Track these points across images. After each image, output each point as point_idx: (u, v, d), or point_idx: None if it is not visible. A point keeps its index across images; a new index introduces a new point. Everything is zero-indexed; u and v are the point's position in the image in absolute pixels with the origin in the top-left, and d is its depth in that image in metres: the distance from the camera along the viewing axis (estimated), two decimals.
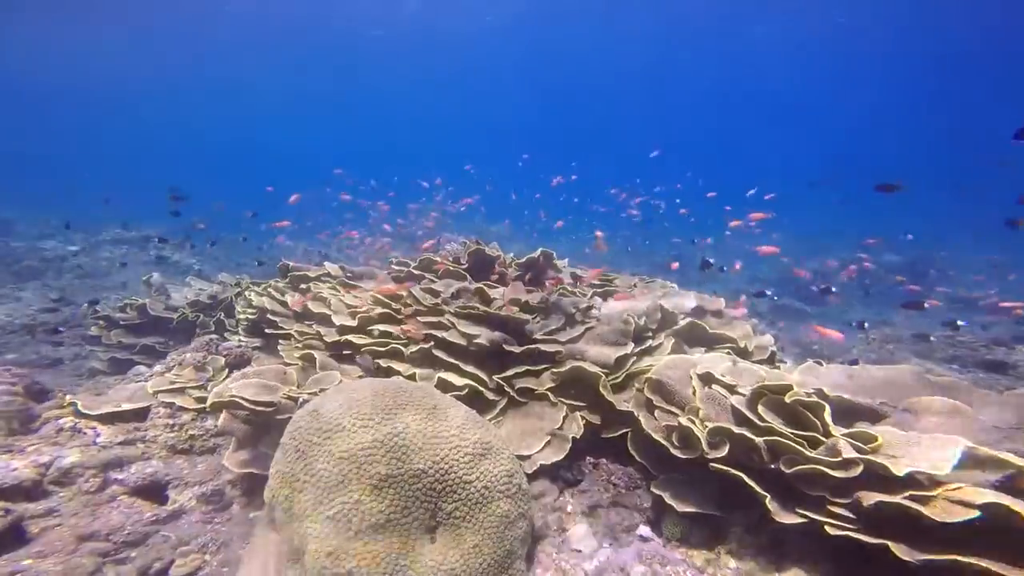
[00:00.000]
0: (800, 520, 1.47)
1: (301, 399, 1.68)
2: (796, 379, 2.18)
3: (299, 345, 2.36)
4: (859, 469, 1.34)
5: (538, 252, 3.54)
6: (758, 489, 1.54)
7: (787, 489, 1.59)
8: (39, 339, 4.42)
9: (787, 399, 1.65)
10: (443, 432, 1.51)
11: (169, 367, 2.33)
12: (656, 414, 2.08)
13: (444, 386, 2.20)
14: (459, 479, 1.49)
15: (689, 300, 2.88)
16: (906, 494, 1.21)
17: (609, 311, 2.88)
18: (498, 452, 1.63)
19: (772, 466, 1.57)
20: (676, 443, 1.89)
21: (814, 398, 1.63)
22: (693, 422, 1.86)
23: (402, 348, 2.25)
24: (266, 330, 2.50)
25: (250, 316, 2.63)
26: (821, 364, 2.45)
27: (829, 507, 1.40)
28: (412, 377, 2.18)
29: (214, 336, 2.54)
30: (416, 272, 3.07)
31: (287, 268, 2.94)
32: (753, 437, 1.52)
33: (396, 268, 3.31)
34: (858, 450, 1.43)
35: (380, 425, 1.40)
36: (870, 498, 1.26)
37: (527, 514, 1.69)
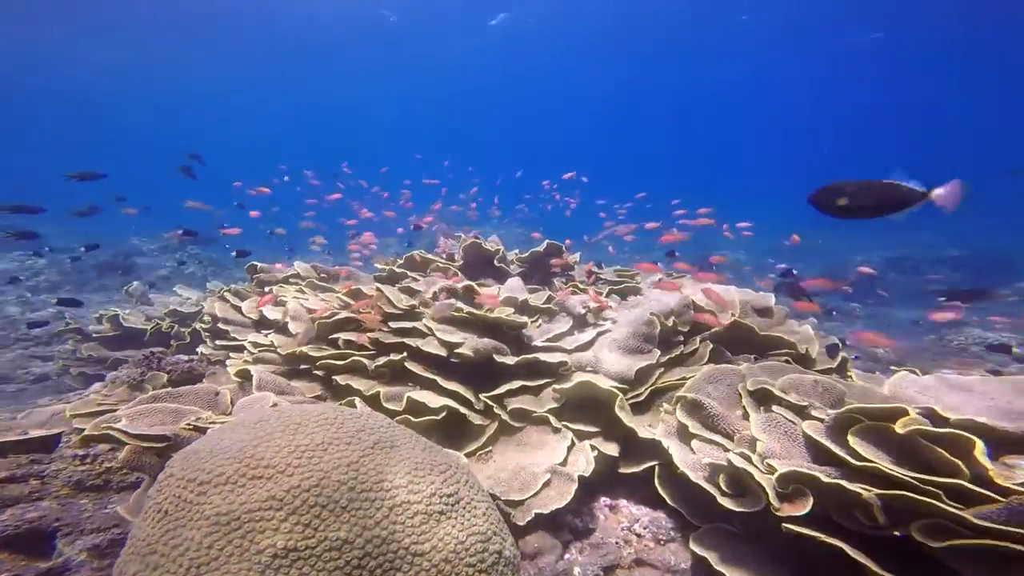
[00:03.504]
0: None
1: (211, 430, 1.26)
2: (888, 394, 1.60)
3: (249, 359, 1.96)
4: None
5: (543, 245, 3.06)
6: None
7: (917, 563, 1.03)
8: (30, 353, 4.28)
9: (899, 429, 1.09)
10: (383, 482, 1.04)
11: (106, 386, 1.99)
12: (694, 445, 1.55)
13: (416, 408, 1.74)
14: (405, 550, 1.01)
15: (729, 294, 2.32)
16: None
17: (629, 310, 2.36)
18: (468, 507, 1.15)
19: (897, 533, 1.01)
20: (726, 488, 1.35)
21: (950, 428, 1.06)
22: (749, 460, 1.32)
23: (365, 361, 1.81)
24: (215, 341, 2.13)
25: (204, 326, 2.28)
26: (917, 373, 1.85)
27: None
28: (375, 397, 1.73)
29: (158, 349, 2.21)
30: (399, 271, 2.65)
31: (254, 269, 2.58)
32: (859, 491, 0.98)
33: (380, 268, 2.91)
34: None
35: (283, 475, 0.95)
36: None
37: None
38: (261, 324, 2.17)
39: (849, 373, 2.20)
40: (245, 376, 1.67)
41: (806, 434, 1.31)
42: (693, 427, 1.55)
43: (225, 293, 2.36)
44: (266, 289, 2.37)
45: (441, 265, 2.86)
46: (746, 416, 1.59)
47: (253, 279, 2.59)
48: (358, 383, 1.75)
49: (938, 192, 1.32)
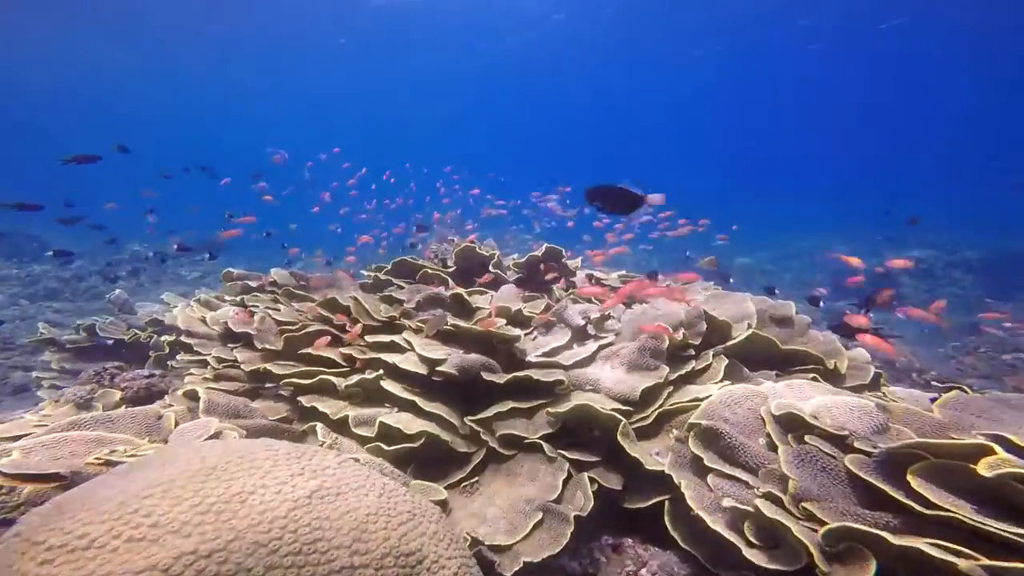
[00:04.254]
0: None
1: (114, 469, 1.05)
2: (941, 419, 1.35)
3: (209, 375, 1.77)
4: None
5: (542, 249, 2.86)
6: None
7: None
8: (11, 363, 4.13)
9: (986, 472, 0.86)
10: (318, 542, 0.82)
11: (49, 404, 1.80)
12: (710, 480, 1.32)
13: (390, 434, 1.52)
14: None
15: (744, 303, 2.10)
16: None
17: (635, 319, 2.14)
18: (433, 569, 0.93)
19: None
20: (754, 538, 1.12)
21: None
22: (782, 505, 1.09)
23: (335, 380, 1.60)
24: (177, 356, 1.94)
25: (170, 338, 2.09)
26: (966, 390, 1.60)
27: None
28: (343, 421, 1.52)
29: (115, 364, 2.02)
30: (384, 278, 2.45)
31: (230, 275, 2.40)
32: (952, 560, 0.75)
33: (367, 275, 2.72)
34: None
35: (175, 536, 0.74)
36: None
37: None
38: (228, 337, 1.97)
39: (883, 390, 1.95)
40: (194, 397, 1.48)
41: (851, 472, 1.07)
42: (709, 460, 1.32)
43: (192, 302, 2.18)
44: (238, 299, 2.18)
45: (431, 271, 2.66)
46: (772, 446, 1.36)
47: (228, 286, 2.41)
48: (325, 405, 1.54)
49: (652, 196, 1.67)
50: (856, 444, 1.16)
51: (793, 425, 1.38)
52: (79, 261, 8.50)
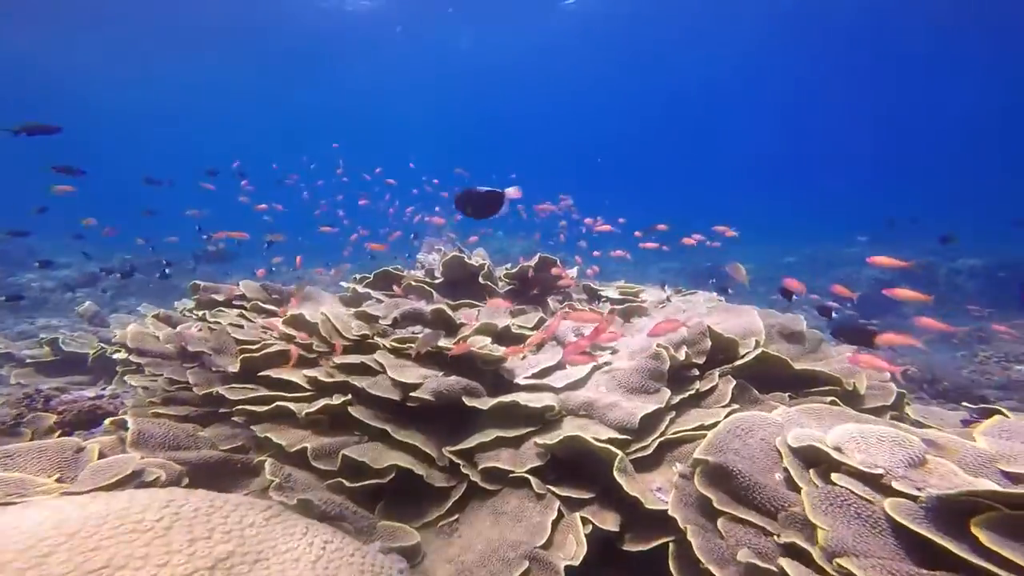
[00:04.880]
0: None
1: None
2: (984, 448, 1.18)
3: (157, 400, 1.58)
4: None
5: (535, 259, 2.70)
6: None
7: None
8: None
9: None
10: None
11: None
12: (720, 525, 1.13)
13: (358, 469, 1.33)
14: None
15: (752, 318, 1.93)
16: None
17: (632, 337, 1.97)
18: None
19: None
20: None
21: None
22: (808, 562, 0.91)
23: (292, 407, 1.42)
24: (125, 377, 1.75)
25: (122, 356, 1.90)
26: (1005, 414, 1.44)
27: None
28: (301, 453, 1.33)
29: (51, 385, 1.83)
30: (363, 291, 2.28)
31: (197, 288, 2.22)
32: None
33: (346, 287, 2.55)
34: None
35: None
36: None
37: None
38: (185, 356, 1.79)
39: (907, 410, 1.78)
40: (118, 425, 1.29)
41: (895, 521, 0.89)
42: (719, 501, 1.14)
43: (148, 317, 2.00)
44: (200, 313, 2.00)
45: (415, 283, 2.49)
46: (790, 483, 1.18)
47: (195, 300, 2.23)
48: (280, 435, 1.36)
49: (509, 191, 1.73)
50: (895, 485, 0.99)
51: (814, 459, 1.20)
52: (65, 271, 8.30)
